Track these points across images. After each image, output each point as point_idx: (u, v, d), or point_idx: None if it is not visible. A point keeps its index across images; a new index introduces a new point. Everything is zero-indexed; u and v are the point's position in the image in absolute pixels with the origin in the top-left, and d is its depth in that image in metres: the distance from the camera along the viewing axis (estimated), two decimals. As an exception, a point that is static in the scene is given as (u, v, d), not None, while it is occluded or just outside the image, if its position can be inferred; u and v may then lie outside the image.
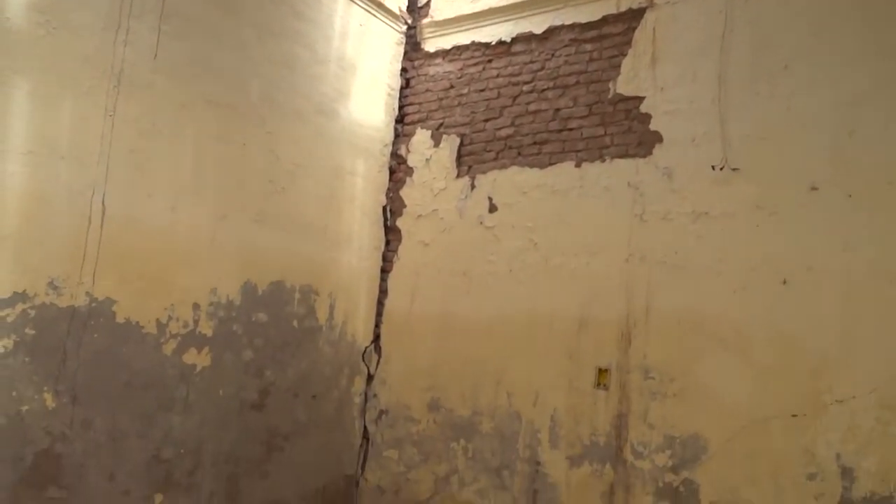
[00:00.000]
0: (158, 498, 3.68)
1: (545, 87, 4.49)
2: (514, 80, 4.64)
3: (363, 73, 4.92)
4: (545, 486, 4.09)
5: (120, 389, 3.52)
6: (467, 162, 4.79)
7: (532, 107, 4.53)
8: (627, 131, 4.11)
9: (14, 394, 3.12)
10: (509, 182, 4.55)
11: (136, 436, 3.59)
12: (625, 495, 3.82)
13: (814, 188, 3.49)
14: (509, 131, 4.61)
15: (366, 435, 4.91)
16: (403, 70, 5.22)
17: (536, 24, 4.58)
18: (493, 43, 4.77)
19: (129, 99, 3.53)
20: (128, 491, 3.55)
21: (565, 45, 4.45)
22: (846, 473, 3.22)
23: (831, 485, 3.25)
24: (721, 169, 3.74)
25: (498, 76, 4.73)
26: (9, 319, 3.10)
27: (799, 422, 3.37)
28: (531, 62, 4.57)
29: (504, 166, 4.60)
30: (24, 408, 3.16)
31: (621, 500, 3.82)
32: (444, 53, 5.04)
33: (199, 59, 3.87)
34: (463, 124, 4.85)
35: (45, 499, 3.22)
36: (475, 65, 4.85)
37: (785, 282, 3.50)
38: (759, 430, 3.47)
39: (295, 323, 4.44)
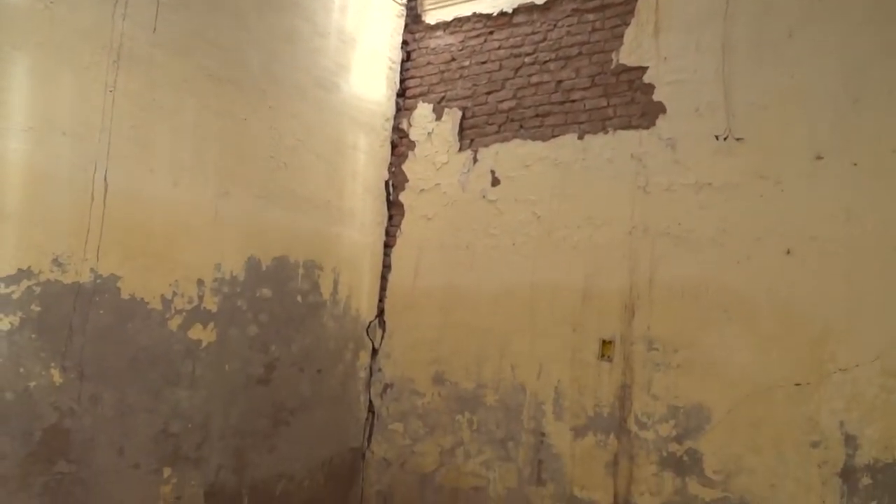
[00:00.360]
0: (167, 471, 3.72)
1: (547, 58, 4.45)
2: (515, 51, 4.60)
3: (363, 46, 4.88)
4: (550, 456, 4.13)
5: (127, 365, 3.54)
6: (469, 135, 4.77)
7: (534, 79, 4.50)
8: (630, 102, 4.09)
9: (21, 370, 3.14)
10: (512, 155, 4.53)
11: (144, 410, 3.61)
12: (629, 465, 3.85)
13: (818, 157, 3.47)
14: (511, 104, 4.58)
15: (371, 408, 4.95)
16: (404, 43, 5.17)
17: (538, -7, 4.54)
18: (495, 14, 4.72)
19: (129, 73, 3.51)
20: (137, 465, 3.58)
21: (567, 16, 4.41)
22: (849, 441, 3.24)
23: (834, 452, 3.27)
24: (725, 139, 3.72)
25: (500, 48, 4.69)
26: (14, 296, 3.11)
27: (802, 390, 3.38)
28: (533, 33, 4.53)
29: (506, 139, 4.58)
30: (32, 384, 3.18)
31: (625, 469, 3.86)
32: (445, 25, 4.99)
33: (199, 33, 3.84)
34: (465, 97, 4.82)
35: (54, 473, 3.25)
36: (476, 36, 4.81)
37: (789, 252, 3.50)
38: (763, 400, 3.48)
39: (299, 298, 4.45)
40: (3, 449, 3.08)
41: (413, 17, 5.16)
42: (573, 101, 4.31)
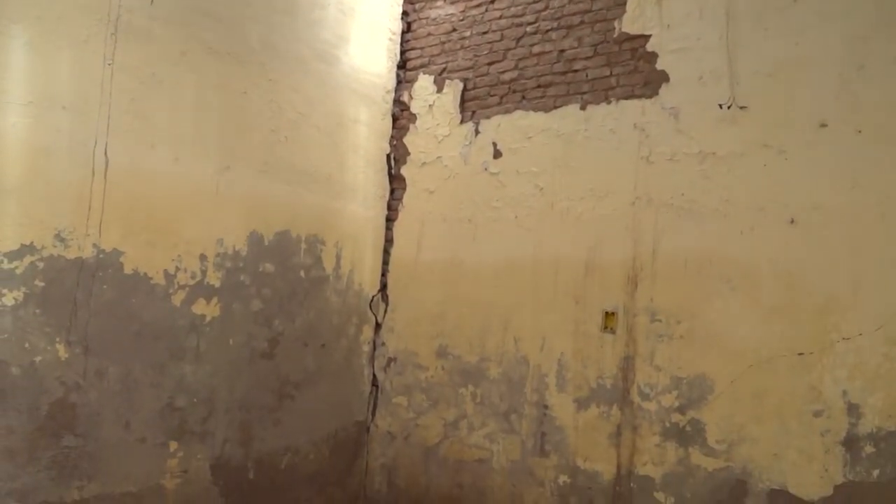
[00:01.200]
0: (173, 445, 3.75)
1: (549, 27, 4.40)
2: (517, 21, 4.55)
3: (363, 17, 4.82)
4: (553, 428, 4.15)
5: (131, 340, 3.55)
6: (471, 107, 4.73)
7: (536, 48, 4.45)
8: (633, 71, 4.04)
9: (27, 345, 3.15)
10: (514, 127, 4.50)
11: (150, 385, 3.63)
12: (632, 436, 3.87)
13: (823, 125, 3.43)
14: (513, 74, 4.53)
15: (375, 382, 4.97)
16: (404, 13, 5.12)
17: (540, -40, 4.48)
18: (495, -17, 4.67)
19: (127, 47, 3.47)
20: (143, 439, 3.61)
21: (569, -17, 4.36)
22: (852, 410, 3.24)
23: (837, 421, 3.28)
24: (728, 107, 3.69)
25: (501, 17, 4.63)
26: (18, 272, 3.11)
27: (805, 360, 3.38)
28: (535, 2, 4.46)
29: (508, 111, 4.54)
30: (38, 359, 3.19)
31: (628, 440, 3.88)
32: (445, -5, 4.94)
33: (197, 5, 3.79)
34: (466, 68, 4.77)
35: (61, 447, 3.27)
36: (477, 6, 4.75)
37: (792, 221, 3.48)
38: (766, 369, 3.49)
39: (302, 273, 4.45)
40: (10, 423, 3.10)
41: (413, -13, 5.10)
42: (575, 70, 4.27)
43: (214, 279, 3.92)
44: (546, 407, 4.19)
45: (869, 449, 3.19)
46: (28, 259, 3.15)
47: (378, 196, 5.01)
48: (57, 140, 3.24)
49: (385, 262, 5.05)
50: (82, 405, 3.35)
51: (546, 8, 4.42)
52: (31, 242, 3.16)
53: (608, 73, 4.13)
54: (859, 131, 3.33)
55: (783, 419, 3.41)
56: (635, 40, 4.05)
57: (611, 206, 4.06)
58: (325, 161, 4.57)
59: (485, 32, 4.70)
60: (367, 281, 4.95)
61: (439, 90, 4.89)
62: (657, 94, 3.94)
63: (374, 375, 4.98)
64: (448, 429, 4.58)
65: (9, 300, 3.09)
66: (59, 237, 3.25)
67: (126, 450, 3.54)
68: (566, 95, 4.29)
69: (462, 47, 4.80)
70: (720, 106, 3.71)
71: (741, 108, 3.66)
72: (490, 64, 4.65)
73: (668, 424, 3.75)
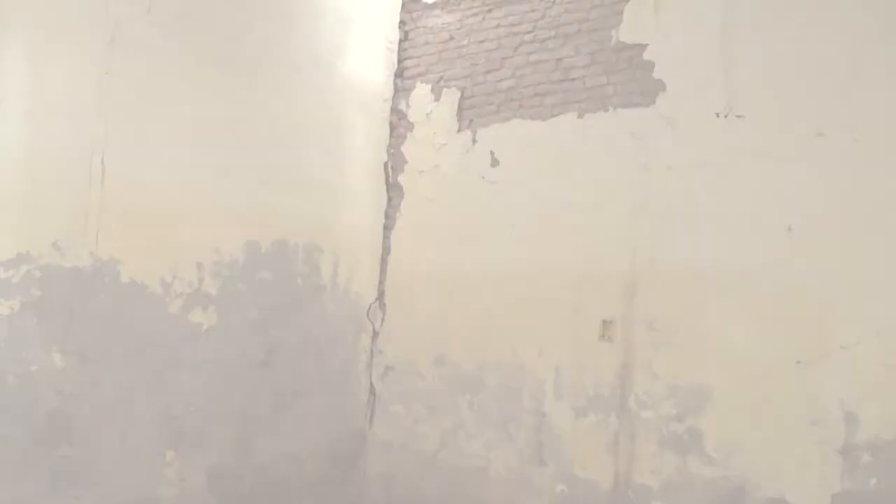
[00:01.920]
0: (170, 454, 3.73)
1: (546, 36, 4.41)
2: (514, 30, 4.55)
3: (360, 26, 4.83)
4: (550, 436, 4.14)
5: (128, 349, 3.53)
6: (468, 116, 4.73)
7: (533, 57, 4.46)
8: (630, 80, 4.05)
9: (23, 354, 3.13)
10: (511, 135, 4.50)
11: (146, 394, 3.61)
12: (629, 444, 3.86)
13: (820, 133, 3.45)
14: (510, 83, 4.54)
15: (372, 391, 4.96)
16: (402, 22, 5.12)
17: (537, -31, 4.49)
18: (493, -9, 4.68)
19: (125, 55, 3.47)
20: (140, 448, 3.59)
21: (566, -8, 4.37)
22: (850, 418, 3.25)
23: (835, 430, 3.28)
24: (725, 116, 3.70)
25: (498, 26, 4.64)
26: (14, 280, 3.10)
27: (803, 368, 3.39)
28: (532, 11, 4.48)
29: (505, 119, 4.55)
30: (34, 368, 3.17)
31: (626, 449, 3.87)
32: (442, 4, 4.93)
33: (195, 13, 3.79)
34: (463, 77, 4.78)
35: (57, 457, 3.25)
36: (475, 15, 4.76)
37: (790, 229, 3.49)
38: (763, 378, 3.49)
39: (299, 281, 4.44)
40: (6, 432, 3.08)
41: (410, -4, 5.11)
42: (573, 79, 4.28)
43: (211, 288, 3.91)
44: (544, 415, 4.19)
45: (866, 458, 3.19)
46: (24, 268, 3.13)
47: (375, 204, 5.01)
48: (54, 149, 3.23)
49: (382, 271, 5.03)
50: (78, 414, 3.33)
51: (543, 17, 4.43)
52: (28, 251, 3.14)
53: (605, 81, 4.14)
54: (857, 140, 3.35)
55: (781, 427, 3.42)
56: (632, 49, 4.06)
57: (608, 214, 4.06)
58: (322, 169, 4.57)
59: (482, 41, 4.70)
60: (365, 289, 4.94)
61: (437, 99, 4.89)
62: (654, 102, 3.95)
63: (372, 384, 4.96)
64: (446, 437, 4.57)
65: (5, 309, 3.08)
66: (55, 246, 3.24)
67: (122, 459, 3.52)
68: (563, 104, 4.30)
69: (459, 56, 4.80)
70: (717, 115, 3.72)
71: (738, 116, 3.67)
72: (487, 73, 4.66)
73: (665, 433, 3.74)
